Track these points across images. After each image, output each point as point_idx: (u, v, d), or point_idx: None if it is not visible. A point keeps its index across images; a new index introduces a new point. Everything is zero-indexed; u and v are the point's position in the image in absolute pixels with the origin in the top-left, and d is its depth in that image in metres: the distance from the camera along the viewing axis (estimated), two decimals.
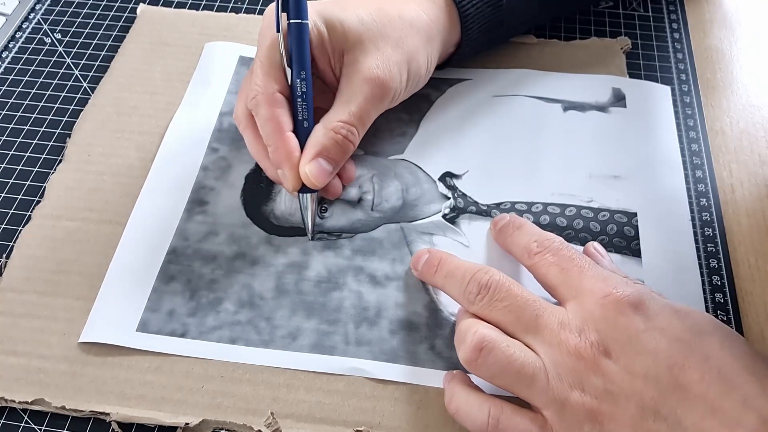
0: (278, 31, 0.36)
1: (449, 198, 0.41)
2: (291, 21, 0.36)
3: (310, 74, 0.37)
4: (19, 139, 0.45)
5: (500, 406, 0.30)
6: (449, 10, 0.41)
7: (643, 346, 0.29)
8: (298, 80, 0.36)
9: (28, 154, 0.44)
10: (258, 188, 0.41)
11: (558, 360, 0.29)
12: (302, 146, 0.37)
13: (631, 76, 0.47)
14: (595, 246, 0.37)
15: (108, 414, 0.33)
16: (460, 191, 0.41)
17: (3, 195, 0.42)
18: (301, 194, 0.38)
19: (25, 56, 0.49)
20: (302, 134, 0.37)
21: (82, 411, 0.34)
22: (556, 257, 0.33)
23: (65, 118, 0.46)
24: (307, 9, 0.36)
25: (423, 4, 0.40)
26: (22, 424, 0.34)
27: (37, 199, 0.42)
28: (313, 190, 0.38)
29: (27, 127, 0.45)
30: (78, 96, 0.47)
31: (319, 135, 0.37)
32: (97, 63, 0.49)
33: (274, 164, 0.37)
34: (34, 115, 0.46)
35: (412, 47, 0.39)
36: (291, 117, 0.37)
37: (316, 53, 0.38)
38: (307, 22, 0.36)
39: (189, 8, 0.52)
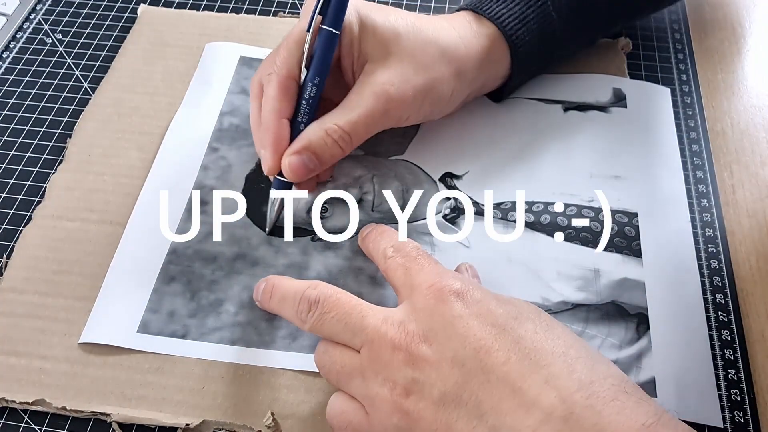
0: (308, 30, 0.36)
1: (450, 198, 0.41)
2: (324, 26, 0.36)
3: (324, 82, 0.37)
4: (19, 140, 0.45)
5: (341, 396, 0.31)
6: (496, 44, 0.40)
7: (455, 331, 0.28)
8: (311, 84, 0.36)
9: (28, 155, 0.44)
10: (258, 188, 0.41)
11: (375, 355, 0.29)
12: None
13: (632, 76, 0.47)
14: (466, 267, 0.36)
15: (108, 415, 0.33)
16: (460, 191, 0.41)
17: (4, 195, 0.42)
18: (273, 189, 0.38)
19: (26, 56, 0.49)
20: (295, 133, 0.37)
21: (82, 411, 0.34)
22: (405, 259, 0.33)
23: (66, 119, 0.46)
24: (343, 21, 0.36)
25: (466, 36, 0.40)
26: (23, 425, 0.34)
27: (37, 199, 0.42)
28: (286, 187, 0.38)
29: (27, 128, 0.45)
30: (79, 96, 0.47)
31: (310, 131, 0.36)
32: (98, 63, 0.49)
33: (259, 141, 0.38)
34: (35, 116, 0.46)
35: (438, 76, 0.38)
36: (293, 107, 0.37)
37: (344, 52, 0.38)
38: (338, 33, 0.36)
39: (190, 9, 0.52)
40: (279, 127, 0.36)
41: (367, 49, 0.37)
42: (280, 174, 0.37)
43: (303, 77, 0.36)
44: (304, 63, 0.36)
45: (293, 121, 0.37)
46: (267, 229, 0.39)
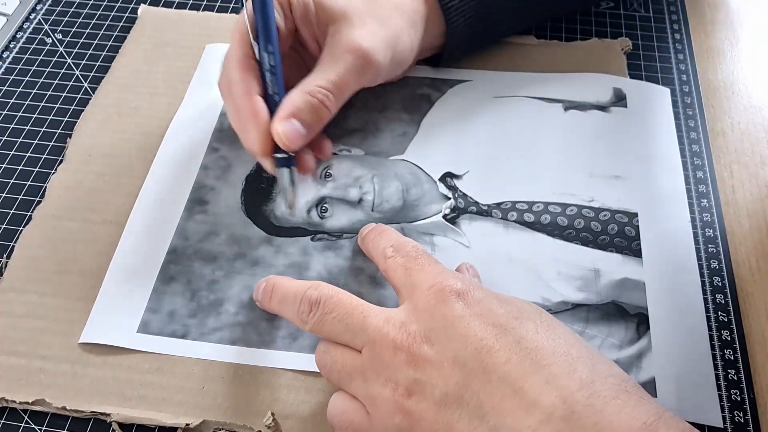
0: (242, 6, 0.36)
1: (450, 198, 0.41)
2: None
3: (277, 48, 0.37)
4: (19, 140, 0.45)
5: (342, 396, 0.31)
6: (430, 2, 0.42)
7: (456, 331, 0.28)
8: (266, 54, 0.36)
9: (28, 155, 0.44)
10: (258, 189, 0.41)
11: (376, 355, 0.29)
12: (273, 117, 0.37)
13: (632, 76, 0.47)
14: (467, 267, 0.37)
15: (108, 415, 0.33)
16: (460, 191, 0.41)
17: (4, 195, 0.42)
18: (278, 169, 0.37)
19: (26, 56, 0.49)
20: (273, 107, 0.37)
21: (82, 411, 0.34)
22: (405, 259, 0.33)
23: (66, 119, 0.46)
24: None
25: None
26: (23, 425, 0.34)
27: (37, 199, 0.42)
28: (288, 163, 0.37)
29: (28, 128, 0.45)
30: (79, 96, 0.47)
31: (293, 96, 0.36)
32: (98, 63, 0.49)
33: (242, 126, 0.37)
34: (35, 116, 0.46)
35: (398, 27, 0.39)
36: (260, 84, 0.37)
37: (300, 24, 0.38)
38: None
39: (190, 9, 0.52)
40: (254, 103, 0.36)
41: (326, 14, 0.38)
42: (276, 150, 0.37)
43: (257, 52, 0.37)
44: (251, 37, 0.36)
45: (266, 97, 0.37)
46: (291, 211, 0.40)
